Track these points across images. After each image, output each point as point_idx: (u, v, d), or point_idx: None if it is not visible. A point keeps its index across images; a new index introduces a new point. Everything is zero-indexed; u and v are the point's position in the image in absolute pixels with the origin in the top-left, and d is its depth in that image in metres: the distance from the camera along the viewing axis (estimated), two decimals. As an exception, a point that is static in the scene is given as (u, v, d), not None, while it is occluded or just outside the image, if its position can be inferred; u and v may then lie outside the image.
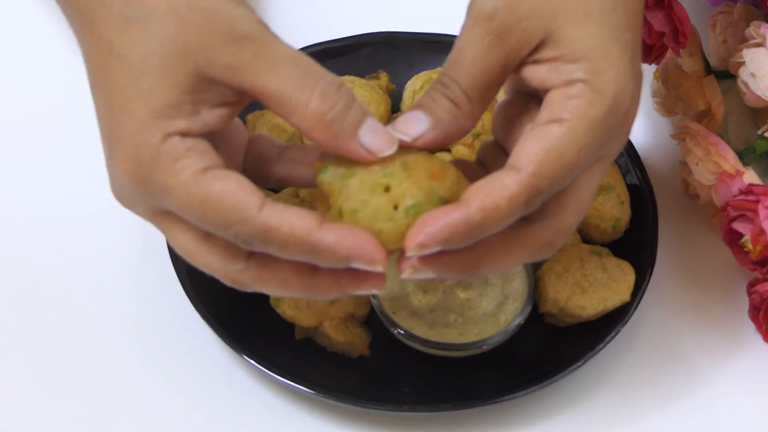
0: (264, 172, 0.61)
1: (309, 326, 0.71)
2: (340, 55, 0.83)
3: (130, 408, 0.71)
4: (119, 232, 0.78)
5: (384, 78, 0.80)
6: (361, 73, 0.81)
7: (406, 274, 0.54)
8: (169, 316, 0.74)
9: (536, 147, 0.53)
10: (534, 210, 0.55)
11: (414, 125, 0.55)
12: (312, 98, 0.52)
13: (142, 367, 0.72)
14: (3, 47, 0.88)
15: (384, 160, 0.54)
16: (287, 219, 0.52)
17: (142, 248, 0.77)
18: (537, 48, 0.55)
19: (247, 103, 0.55)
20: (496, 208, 0.52)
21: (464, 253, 0.54)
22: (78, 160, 0.81)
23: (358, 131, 0.54)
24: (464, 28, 0.56)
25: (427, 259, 0.54)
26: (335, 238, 0.52)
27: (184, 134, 0.53)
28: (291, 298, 0.70)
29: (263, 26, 0.54)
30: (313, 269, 0.55)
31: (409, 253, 0.53)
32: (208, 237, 0.55)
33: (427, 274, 0.54)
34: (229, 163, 0.57)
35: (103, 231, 0.78)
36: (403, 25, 0.84)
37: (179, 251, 0.57)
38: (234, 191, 0.52)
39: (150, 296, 0.75)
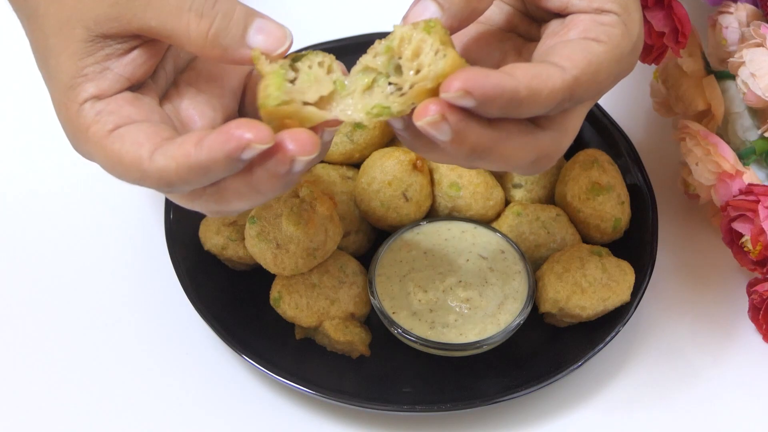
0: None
1: (309, 326, 0.71)
2: (341, 55, 0.82)
3: (131, 408, 0.71)
4: (119, 232, 0.78)
5: (384, 78, 0.80)
6: (361, 73, 0.81)
7: (423, 122, 0.50)
8: (169, 316, 0.74)
9: (581, 55, 0.53)
10: (545, 119, 0.54)
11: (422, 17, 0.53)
12: (190, 22, 0.52)
13: (143, 367, 0.72)
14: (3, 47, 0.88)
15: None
16: (171, 155, 0.51)
17: (142, 249, 0.77)
18: None
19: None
20: (540, 93, 0.51)
21: (487, 128, 0.51)
22: (76, 159, 0.81)
23: (245, 38, 0.53)
24: None
25: (454, 112, 0.50)
26: (207, 147, 0.50)
27: (99, 97, 0.53)
28: (291, 298, 0.70)
29: None
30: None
31: (445, 95, 0.49)
32: None
33: (443, 133, 0.50)
34: (220, 104, 0.57)
35: (103, 231, 0.78)
36: (403, 25, 0.84)
37: None
38: (128, 148, 0.52)
39: (150, 296, 0.75)
